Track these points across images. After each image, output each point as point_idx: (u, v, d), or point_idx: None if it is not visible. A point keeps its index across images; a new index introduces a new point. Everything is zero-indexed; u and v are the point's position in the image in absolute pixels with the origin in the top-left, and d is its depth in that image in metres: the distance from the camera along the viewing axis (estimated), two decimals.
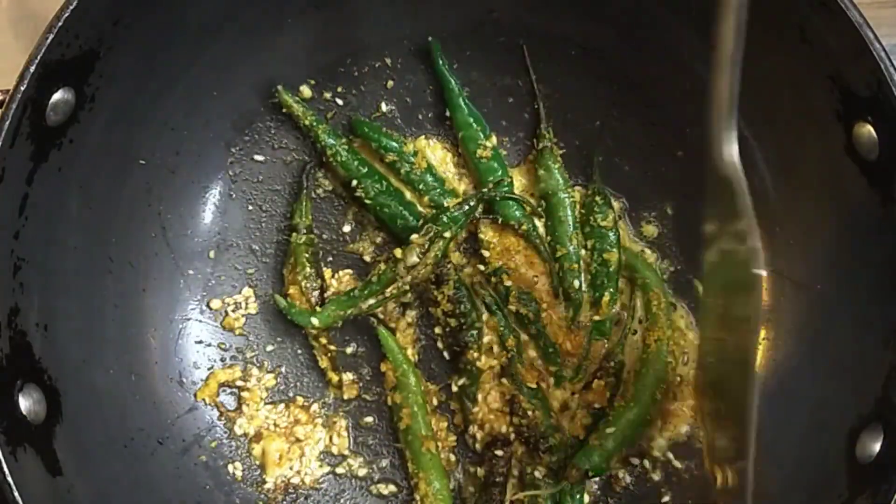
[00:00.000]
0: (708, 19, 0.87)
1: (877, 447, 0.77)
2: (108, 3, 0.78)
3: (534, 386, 0.94)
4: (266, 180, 0.99)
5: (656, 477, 0.95)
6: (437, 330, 0.97)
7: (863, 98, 0.77)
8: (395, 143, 0.97)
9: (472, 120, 0.98)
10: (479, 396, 0.95)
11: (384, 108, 1.00)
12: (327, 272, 0.98)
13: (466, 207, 0.94)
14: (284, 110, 0.97)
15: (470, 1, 0.95)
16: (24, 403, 0.76)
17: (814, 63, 0.81)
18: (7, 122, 0.72)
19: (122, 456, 0.87)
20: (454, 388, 0.95)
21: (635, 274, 0.97)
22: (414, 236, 0.92)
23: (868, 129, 0.78)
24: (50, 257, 0.81)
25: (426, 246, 0.92)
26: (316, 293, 0.96)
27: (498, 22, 0.96)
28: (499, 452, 0.93)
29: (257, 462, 0.95)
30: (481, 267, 0.96)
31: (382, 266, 0.93)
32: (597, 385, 0.94)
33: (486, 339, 0.95)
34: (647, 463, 0.95)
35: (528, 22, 0.96)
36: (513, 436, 0.93)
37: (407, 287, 0.93)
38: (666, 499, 0.94)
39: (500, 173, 0.97)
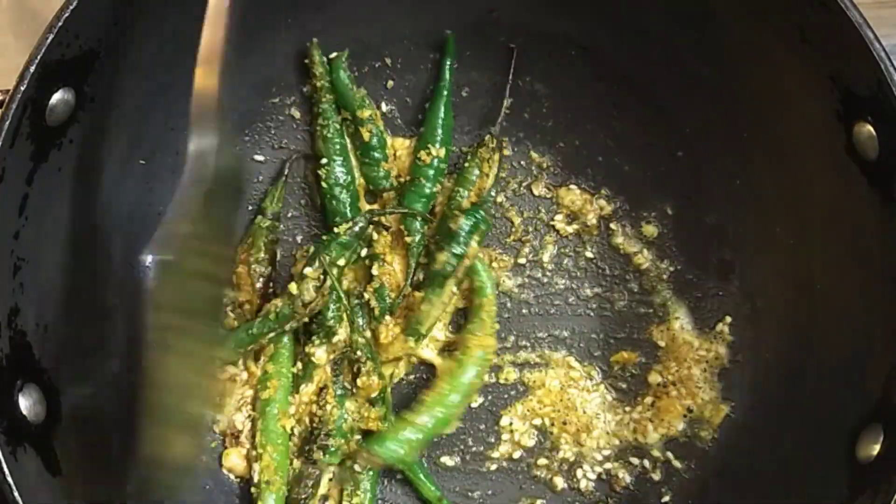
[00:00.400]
0: (707, 19, 0.88)
1: (877, 447, 0.77)
2: (108, 3, 0.78)
3: (346, 385, 0.94)
4: (266, 180, 0.99)
5: (656, 477, 0.95)
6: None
7: (863, 98, 0.77)
8: (353, 102, 0.96)
9: (438, 123, 0.97)
10: (305, 387, 0.94)
11: (384, 108, 1.00)
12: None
13: (357, 229, 0.92)
14: (306, 61, 0.96)
15: (470, 1, 0.95)
16: (24, 403, 0.76)
17: (814, 63, 0.81)
18: (7, 122, 0.72)
19: (121, 456, 0.87)
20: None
21: (473, 276, 0.96)
22: (307, 269, 0.91)
23: (868, 129, 0.78)
24: (50, 257, 0.81)
25: (321, 279, 0.91)
26: (262, 280, 0.96)
27: (498, 22, 0.96)
28: (331, 443, 0.92)
29: (234, 477, 0.95)
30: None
31: (279, 303, 0.92)
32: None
33: (335, 339, 0.94)
34: (647, 463, 0.95)
35: (528, 22, 0.96)
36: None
37: (306, 319, 0.92)
38: (666, 499, 0.94)
39: (429, 184, 0.96)
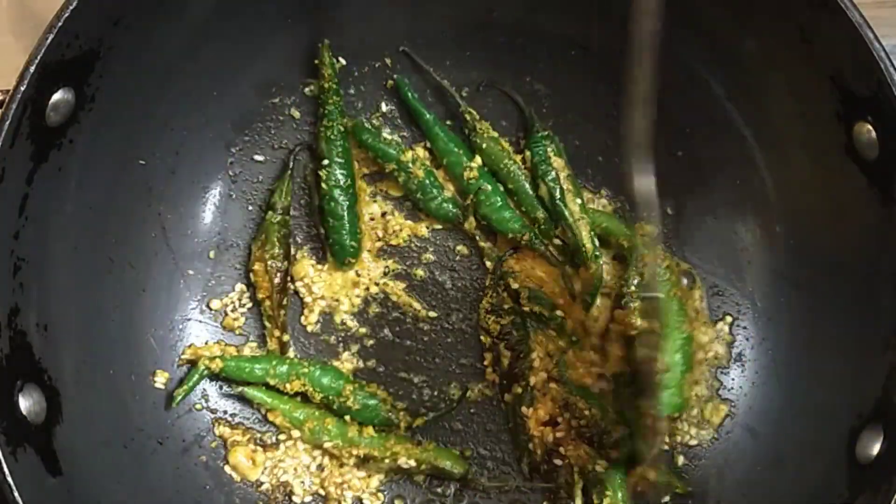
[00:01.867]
0: (707, 19, 0.88)
1: (877, 447, 0.77)
2: (108, 3, 0.78)
3: (587, 383, 0.94)
4: (266, 180, 0.99)
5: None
6: (488, 358, 0.96)
7: (863, 98, 0.77)
8: (392, 152, 0.96)
9: (452, 146, 0.97)
10: (530, 412, 0.94)
11: (384, 108, 0.99)
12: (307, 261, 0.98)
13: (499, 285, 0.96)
14: (316, 62, 0.96)
15: (470, 1, 0.95)
16: (24, 403, 0.76)
17: (814, 63, 0.81)
18: (7, 123, 0.72)
19: (121, 456, 0.87)
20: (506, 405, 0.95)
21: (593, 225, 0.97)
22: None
23: (868, 129, 0.78)
24: (50, 257, 0.81)
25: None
26: (279, 274, 0.96)
27: (498, 22, 0.96)
28: (557, 462, 0.93)
29: (236, 477, 0.94)
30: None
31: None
32: (618, 316, 0.93)
33: (533, 357, 0.95)
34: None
35: (528, 22, 0.96)
36: (569, 443, 0.93)
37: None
38: (666, 499, 0.94)
39: (490, 191, 0.96)
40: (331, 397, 0.93)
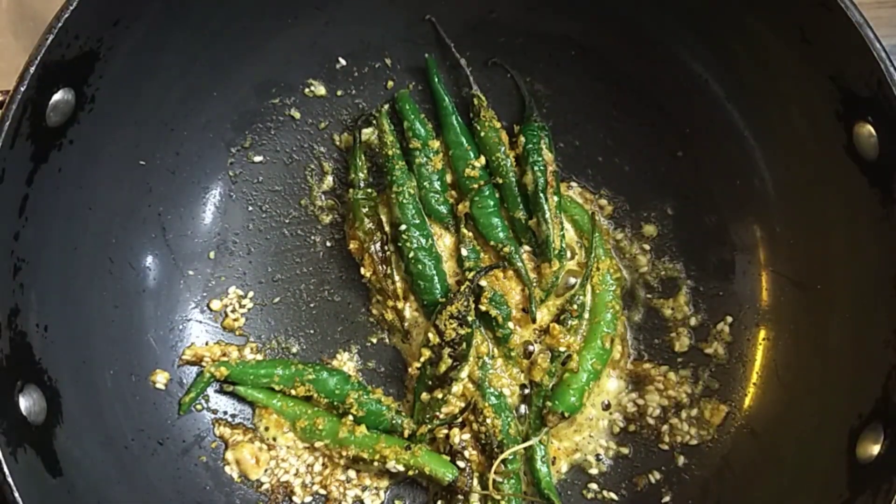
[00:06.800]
0: (707, 19, 0.88)
1: (877, 447, 0.77)
2: (108, 3, 0.78)
3: (498, 391, 0.94)
4: (266, 181, 0.99)
5: (657, 476, 0.95)
6: (426, 354, 0.94)
7: (863, 98, 0.77)
8: (423, 131, 0.97)
9: (463, 139, 0.97)
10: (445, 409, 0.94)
11: (385, 108, 0.99)
12: None
13: (468, 294, 0.93)
14: (371, 131, 0.97)
15: (470, 1, 0.95)
16: (24, 404, 0.76)
17: (814, 63, 0.81)
18: (7, 123, 0.72)
19: (122, 456, 0.87)
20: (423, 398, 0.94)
21: (565, 214, 0.98)
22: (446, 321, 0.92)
23: (868, 129, 0.78)
24: (50, 258, 0.81)
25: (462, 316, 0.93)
26: (376, 246, 0.96)
27: (498, 22, 0.96)
28: (461, 464, 0.93)
29: (235, 473, 0.94)
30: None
31: (417, 364, 0.94)
32: (553, 329, 0.94)
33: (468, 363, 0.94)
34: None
35: (528, 22, 0.96)
36: (469, 445, 0.94)
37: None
38: (666, 499, 0.94)
39: (486, 194, 0.97)
40: (336, 402, 0.93)
